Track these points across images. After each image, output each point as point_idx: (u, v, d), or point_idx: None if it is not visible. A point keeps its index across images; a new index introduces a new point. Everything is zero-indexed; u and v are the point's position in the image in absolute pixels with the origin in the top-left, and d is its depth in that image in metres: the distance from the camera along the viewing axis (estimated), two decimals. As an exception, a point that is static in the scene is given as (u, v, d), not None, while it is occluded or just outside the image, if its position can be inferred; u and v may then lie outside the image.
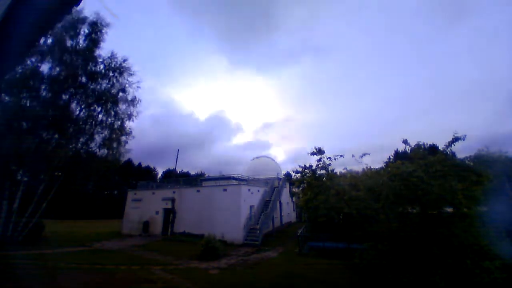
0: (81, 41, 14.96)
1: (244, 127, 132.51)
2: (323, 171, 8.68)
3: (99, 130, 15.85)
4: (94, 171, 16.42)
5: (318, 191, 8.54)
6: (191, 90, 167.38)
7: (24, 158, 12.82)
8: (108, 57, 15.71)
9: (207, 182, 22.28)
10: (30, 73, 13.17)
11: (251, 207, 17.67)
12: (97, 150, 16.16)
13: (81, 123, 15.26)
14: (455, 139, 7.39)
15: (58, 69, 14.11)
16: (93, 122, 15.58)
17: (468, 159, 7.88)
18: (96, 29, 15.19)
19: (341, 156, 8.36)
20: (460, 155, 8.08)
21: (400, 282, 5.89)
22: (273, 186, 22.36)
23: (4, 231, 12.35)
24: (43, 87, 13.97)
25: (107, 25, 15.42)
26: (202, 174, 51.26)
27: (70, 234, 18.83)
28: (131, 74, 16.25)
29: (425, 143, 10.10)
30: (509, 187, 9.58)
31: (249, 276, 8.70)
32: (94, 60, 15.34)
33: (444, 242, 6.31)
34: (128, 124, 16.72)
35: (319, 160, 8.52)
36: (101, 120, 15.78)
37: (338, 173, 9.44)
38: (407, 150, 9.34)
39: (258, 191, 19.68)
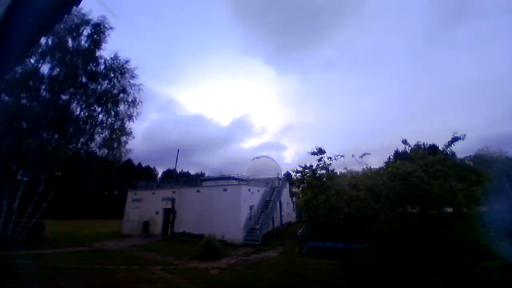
0: (82, 42, 14.98)
1: (262, 129, 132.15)
2: (323, 171, 8.69)
3: (99, 130, 15.86)
4: (94, 171, 16.43)
5: (318, 191, 8.55)
6: (211, 92, 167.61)
7: (24, 158, 12.82)
8: (111, 58, 15.73)
9: (207, 182, 22.28)
10: (30, 73, 13.18)
11: (251, 207, 17.66)
12: (97, 150, 16.18)
13: (81, 123, 15.26)
14: (455, 139, 7.40)
15: (58, 69, 14.11)
16: (93, 122, 15.59)
17: (468, 159, 7.86)
18: (99, 30, 15.19)
19: (341, 156, 8.38)
20: (460, 155, 8.08)
21: (400, 282, 5.90)
22: (273, 186, 22.35)
23: (4, 231, 12.35)
24: (43, 87, 13.97)
25: (111, 27, 15.46)
26: (202, 174, 51.30)
27: (70, 234, 18.83)
28: (133, 76, 16.27)
29: (425, 143, 10.10)
30: (509, 187, 9.58)
31: (249, 276, 8.69)
32: (95, 60, 15.34)
33: (444, 242, 6.32)
34: (129, 124, 16.75)
35: (320, 160, 8.53)
36: (102, 120, 15.78)
37: (338, 173, 9.46)
38: (407, 150, 9.35)
39: (258, 191, 19.68)
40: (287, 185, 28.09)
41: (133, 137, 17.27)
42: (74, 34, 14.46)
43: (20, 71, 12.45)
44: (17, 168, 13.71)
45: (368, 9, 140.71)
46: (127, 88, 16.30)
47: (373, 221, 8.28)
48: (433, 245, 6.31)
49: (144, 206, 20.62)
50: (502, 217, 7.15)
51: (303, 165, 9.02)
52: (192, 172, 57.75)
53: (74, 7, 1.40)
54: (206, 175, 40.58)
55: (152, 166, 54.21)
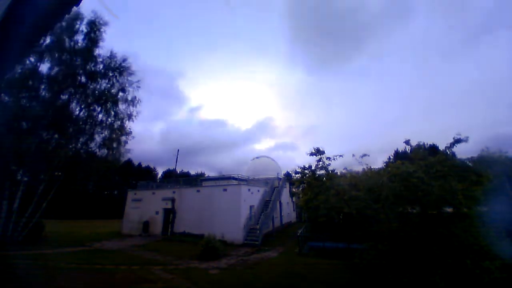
0: (80, 41, 14.97)
1: (281, 130, 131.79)
2: (322, 171, 8.69)
3: (99, 130, 15.88)
4: (94, 171, 16.43)
5: (318, 191, 8.55)
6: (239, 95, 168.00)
7: (24, 158, 12.82)
8: (108, 57, 15.73)
9: (207, 182, 22.28)
10: (30, 73, 13.18)
11: (251, 207, 17.67)
12: (97, 150, 16.21)
13: (81, 123, 15.27)
14: (457, 141, 7.39)
15: (57, 68, 14.11)
16: (93, 122, 15.60)
17: (470, 160, 7.86)
18: (95, 28, 15.17)
19: (340, 156, 8.38)
20: (462, 156, 8.07)
21: (400, 282, 5.89)
22: (273, 186, 22.36)
23: (4, 231, 12.35)
24: (42, 87, 13.98)
25: (106, 23, 15.43)
26: (202, 174, 51.33)
27: (70, 234, 18.83)
28: (131, 74, 16.27)
29: (425, 144, 10.09)
30: (509, 187, 9.58)
31: (249, 276, 8.69)
32: (94, 59, 15.34)
33: (444, 242, 6.32)
34: (128, 124, 16.75)
35: (319, 160, 8.53)
36: (101, 120, 15.80)
37: (338, 173, 9.45)
38: (407, 150, 9.36)
39: (258, 191, 19.68)
40: (287, 185, 28.09)
41: (133, 137, 17.30)
42: (70, 32, 14.43)
43: (19, 71, 12.45)
44: (17, 168, 13.71)
45: (369, 10, 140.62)
46: (126, 87, 16.32)
47: (373, 221, 8.28)
48: (433, 245, 6.31)
49: (144, 206, 20.62)
50: (502, 217, 7.14)
51: (303, 166, 9.03)
52: (192, 172, 57.85)
53: (74, 7, 1.40)
54: (206, 175, 40.61)
55: (152, 166, 54.29)
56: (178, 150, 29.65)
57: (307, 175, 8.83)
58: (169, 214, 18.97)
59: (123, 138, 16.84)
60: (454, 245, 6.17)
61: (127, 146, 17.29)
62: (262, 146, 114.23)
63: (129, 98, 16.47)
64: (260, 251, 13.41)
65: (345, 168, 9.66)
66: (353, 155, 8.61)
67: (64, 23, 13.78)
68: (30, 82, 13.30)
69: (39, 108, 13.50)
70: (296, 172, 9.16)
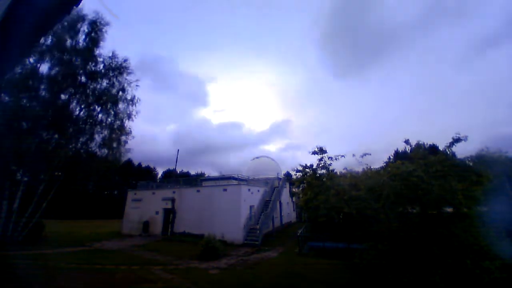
0: (81, 41, 14.98)
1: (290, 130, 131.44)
2: (323, 171, 8.69)
3: (99, 130, 15.88)
4: (94, 171, 16.43)
5: (318, 191, 8.54)
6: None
7: (24, 158, 12.82)
8: (109, 57, 15.76)
9: (207, 182, 22.28)
10: (30, 73, 13.18)
11: (251, 207, 17.66)
12: (97, 150, 16.20)
13: (81, 123, 15.27)
14: (456, 140, 7.39)
15: (57, 68, 14.11)
16: (93, 121, 15.60)
17: (469, 159, 7.85)
18: (96, 28, 15.19)
19: (342, 156, 8.38)
20: (461, 155, 8.07)
21: (400, 282, 5.89)
22: (273, 186, 22.35)
23: (4, 231, 12.35)
24: (42, 87, 13.98)
25: (107, 24, 15.45)
26: (202, 174, 51.32)
27: (70, 234, 18.83)
28: (130, 73, 16.30)
29: (425, 143, 10.09)
30: (509, 187, 9.58)
31: (249, 276, 8.69)
32: (94, 59, 15.36)
33: (444, 242, 6.32)
34: (128, 123, 16.76)
35: (320, 159, 8.53)
36: (101, 120, 15.81)
37: (338, 173, 9.45)
38: (407, 150, 9.36)
39: (258, 191, 19.68)
40: (287, 185, 28.09)
41: (133, 137, 17.30)
42: (72, 32, 14.45)
43: (20, 71, 12.45)
44: (17, 168, 13.71)
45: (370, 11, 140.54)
46: (126, 87, 16.34)
47: (373, 221, 8.28)
48: (433, 245, 6.31)
49: (144, 206, 20.62)
50: (502, 217, 7.14)
51: (304, 165, 9.03)
52: (192, 172, 57.85)
53: (74, 7, 1.40)
54: (207, 175, 40.61)
55: (152, 166, 54.28)
56: (178, 150, 29.65)
57: (308, 174, 8.82)
58: (169, 214, 18.97)
59: (123, 138, 16.86)
60: (454, 245, 6.17)
61: (127, 146, 17.32)
62: (274, 147, 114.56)
63: (129, 97, 16.50)
64: (260, 251, 13.41)
65: (345, 168, 9.66)
66: (353, 155, 8.62)
67: (66, 24, 13.79)
68: (30, 82, 13.29)
69: (39, 108, 13.50)
70: (297, 171, 9.15)
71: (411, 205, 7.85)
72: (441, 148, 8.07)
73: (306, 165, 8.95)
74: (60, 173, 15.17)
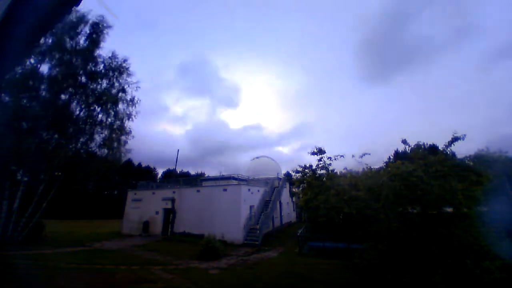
0: (81, 41, 14.99)
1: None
2: (323, 171, 8.69)
3: (99, 130, 15.88)
4: (94, 171, 16.43)
5: (318, 191, 8.54)
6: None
7: (24, 158, 12.81)
8: (109, 57, 15.76)
9: (207, 182, 22.28)
10: (30, 73, 13.18)
11: (251, 207, 17.66)
12: (97, 150, 16.20)
13: (81, 123, 15.27)
14: (455, 139, 7.39)
15: (57, 69, 14.11)
16: (93, 122, 15.60)
17: (468, 159, 7.85)
18: (97, 29, 15.21)
19: (341, 156, 8.37)
20: (461, 155, 8.08)
21: (400, 282, 5.89)
22: (273, 186, 22.35)
23: (4, 231, 12.35)
24: (42, 87, 13.98)
25: (109, 26, 15.48)
26: (202, 174, 51.32)
27: (70, 234, 18.83)
28: (130, 75, 16.32)
29: (425, 143, 10.10)
30: (509, 187, 9.58)
31: (249, 276, 8.69)
32: (94, 60, 15.36)
33: (444, 242, 6.31)
34: (128, 123, 16.77)
35: (320, 160, 8.53)
36: (101, 120, 15.80)
37: (338, 173, 9.44)
38: (407, 150, 9.34)
39: (258, 191, 19.68)
40: (287, 185, 28.09)
41: (133, 137, 17.29)
42: (73, 33, 14.46)
43: (20, 71, 12.44)
44: (17, 168, 13.71)
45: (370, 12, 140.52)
46: (126, 87, 16.36)
47: (373, 221, 8.28)
48: (433, 245, 6.30)
49: (144, 206, 20.62)
50: (502, 217, 7.14)
51: (303, 165, 9.03)
52: (192, 172, 57.86)
53: (74, 7, 1.40)
54: (206, 175, 40.61)
55: (152, 166, 54.29)
56: (178, 150, 29.64)
57: (308, 175, 8.83)
58: (169, 214, 18.97)
59: (123, 138, 16.86)
60: (454, 245, 6.17)
61: (127, 146, 17.32)
62: (291, 147, 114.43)
63: (129, 98, 16.52)
64: (260, 251, 13.41)
65: (345, 168, 9.66)
66: (353, 156, 8.61)
67: (66, 24, 13.80)
68: (31, 82, 13.29)
69: (39, 108, 13.50)
70: (297, 171, 9.16)
71: (411, 205, 7.85)
72: (441, 148, 8.06)
73: (305, 165, 8.95)
74: (60, 173, 15.16)
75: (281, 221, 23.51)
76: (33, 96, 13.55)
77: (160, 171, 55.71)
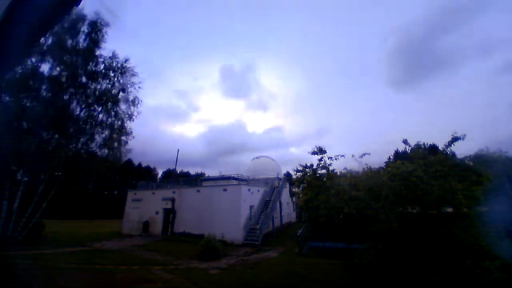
0: (81, 41, 14.96)
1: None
2: (323, 171, 8.69)
3: (100, 130, 15.86)
4: (94, 171, 16.43)
5: (318, 191, 8.54)
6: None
7: (24, 158, 12.81)
8: (109, 57, 15.74)
9: (207, 182, 22.28)
10: (30, 73, 13.17)
11: (251, 207, 17.66)
12: (98, 150, 16.19)
13: (81, 123, 15.26)
14: (455, 139, 7.39)
15: (58, 69, 14.12)
16: (94, 122, 15.58)
17: (468, 159, 7.85)
18: (96, 28, 15.18)
19: (341, 156, 8.38)
20: (461, 155, 8.08)
21: (400, 282, 5.89)
22: (273, 186, 22.36)
23: (4, 231, 12.35)
24: (43, 87, 13.97)
25: (107, 24, 15.44)
26: (202, 174, 51.33)
27: (70, 234, 18.84)
28: (133, 75, 16.29)
29: (425, 143, 10.10)
30: (509, 187, 9.58)
31: (249, 276, 8.69)
32: (95, 60, 15.34)
33: (444, 242, 6.31)
34: (129, 124, 16.75)
35: (320, 159, 8.53)
36: (102, 120, 15.78)
37: (338, 173, 9.45)
38: (407, 150, 9.35)
39: (258, 191, 19.68)
40: (287, 185, 28.09)
41: (133, 137, 17.27)
42: (72, 32, 14.44)
43: (20, 71, 12.44)
44: (17, 168, 13.71)
45: (364, 9, 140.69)
46: (127, 87, 16.33)
47: (373, 221, 8.27)
48: (433, 245, 6.30)
49: (144, 206, 20.62)
50: (502, 217, 7.14)
51: (304, 165, 9.03)
52: (192, 172, 57.88)
53: (74, 7, 1.40)
54: (206, 175, 40.61)
55: (152, 166, 54.30)
56: (178, 150, 29.64)
57: (308, 174, 8.83)
58: (169, 214, 18.97)
59: (124, 138, 16.85)
60: (454, 245, 6.17)
61: (128, 146, 17.31)
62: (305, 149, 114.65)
63: (130, 98, 16.49)
64: (260, 251, 13.41)
65: (345, 168, 9.66)
66: (353, 156, 8.61)
67: (66, 24, 13.78)
68: (31, 82, 13.28)
69: (39, 108, 13.50)
70: (297, 171, 9.16)
71: (411, 205, 7.85)
72: (441, 148, 8.06)
73: (306, 165, 8.95)
74: (60, 173, 15.16)
75: (281, 221, 23.51)
76: (33, 96, 13.54)
77: (160, 171, 55.81)
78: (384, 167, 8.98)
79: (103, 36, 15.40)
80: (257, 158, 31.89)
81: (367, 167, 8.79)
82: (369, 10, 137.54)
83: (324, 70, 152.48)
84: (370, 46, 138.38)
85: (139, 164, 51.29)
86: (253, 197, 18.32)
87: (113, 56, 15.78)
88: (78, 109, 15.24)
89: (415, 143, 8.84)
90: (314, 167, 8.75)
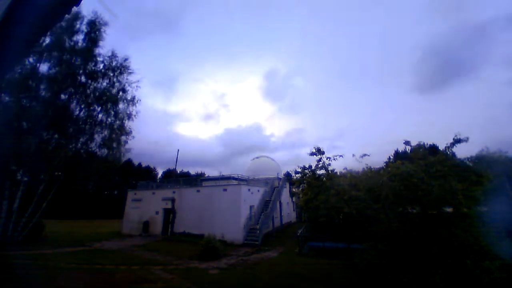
0: (80, 40, 14.97)
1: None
2: (323, 171, 8.69)
3: (99, 130, 15.86)
4: (94, 171, 16.43)
5: (318, 191, 8.55)
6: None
7: (24, 158, 12.81)
8: (108, 57, 15.74)
9: (207, 182, 22.29)
10: (30, 73, 13.17)
11: (251, 207, 17.66)
12: (97, 150, 16.19)
13: (81, 123, 15.26)
14: (457, 141, 7.38)
15: (57, 68, 14.10)
16: (93, 122, 15.58)
17: (469, 159, 7.86)
18: (95, 28, 15.18)
19: (340, 156, 8.38)
20: (462, 156, 8.08)
21: (400, 282, 5.89)
22: (273, 186, 22.36)
23: (4, 231, 12.35)
24: (42, 87, 13.97)
25: (105, 23, 15.44)
26: (202, 174, 51.34)
27: (70, 234, 18.83)
28: (131, 73, 16.28)
29: (425, 143, 10.11)
30: (509, 187, 9.58)
31: (249, 276, 8.69)
32: (94, 59, 15.33)
33: (444, 242, 6.31)
34: (128, 123, 16.75)
35: (319, 160, 8.54)
36: (101, 120, 15.78)
37: (338, 173, 9.45)
38: (407, 150, 9.36)
39: (258, 191, 19.68)
40: (287, 185, 28.09)
41: (133, 137, 17.26)
42: (71, 31, 14.44)
43: (19, 71, 12.44)
44: (17, 168, 13.70)
45: (365, 8, 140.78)
46: (126, 87, 16.33)
47: (373, 221, 8.27)
48: (433, 245, 6.30)
49: (144, 206, 20.62)
50: (502, 217, 7.14)
51: (303, 165, 9.03)
52: (192, 172, 57.89)
53: (74, 7, 1.40)
54: (206, 175, 40.62)
55: (152, 166, 54.29)
56: (178, 150, 29.64)
57: (307, 175, 8.83)
58: (169, 214, 18.97)
59: (123, 137, 16.84)
60: (454, 245, 6.17)
61: (127, 146, 17.31)
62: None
63: (129, 97, 16.49)
64: (260, 251, 13.41)
65: (345, 168, 9.66)
66: (353, 155, 8.62)
67: (64, 23, 13.78)
68: (30, 82, 13.28)
69: (39, 108, 13.49)
70: (296, 172, 9.17)
71: (411, 205, 7.85)
72: (441, 148, 8.06)
73: (305, 166, 8.96)
74: (60, 173, 15.16)
75: (281, 221, 23.51)
76: (33, 96, 13.54)
77: (160, 171, 55.81)
78: (384, 167, 8.98)
79: (102, 35, 15.42)
80: (257, 158, 31.91)
81: (367, 167, 8.79)
82: (369, 10, 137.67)
83: (324, 70, 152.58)
84: (370, 46, 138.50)
85: (139, 164, 51.29)
86: (253, 197, 18.32)
87: (113, 55, 15.79)
88: (78, 109, 15.25)
89: (417, 143, 8.85)
90: (313, 168, 8.76)
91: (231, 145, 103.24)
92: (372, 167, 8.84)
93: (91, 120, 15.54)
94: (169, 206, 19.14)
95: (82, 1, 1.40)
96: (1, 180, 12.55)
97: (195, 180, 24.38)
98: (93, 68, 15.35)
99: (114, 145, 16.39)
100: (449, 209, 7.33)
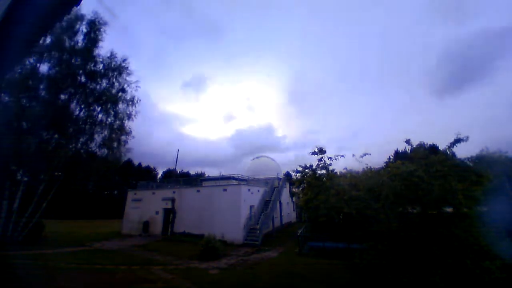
0: (79, 41, 14.98)
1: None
2: (323, 171, 8.70)
3: (99, 130, 15.86)
4: (94, 171, 16.43)
5: (318, 191, 8.55)
6: None
7: (24, 158, 12.81)
8: (108, 57, 15.74)
9: (207, 182, 22.29)
10: (30, 73, 13.18)
11: (251, 207, 17.66)
12: (97, 150, 16.19)
13: (80, 123, 15.26)
14: (458, 140, 7.38)
15: (57, 68, 14.11)
16: (93, 122, 15.59)
17: (469, 159, 7.86)
18: (95, 28, 15.19)
19: (341, 156, 8.39)
20: (462, 155, 8.08)
21: (400, 282, 5.89)
22: (273, 186, 22.35)
23: (4, 231, 12.34)
24: (42, 87, 13.97)
25: (105, 23, 15.46)
26: (202, 174, 51.35)
27: (70, 234, 18.83)
28: (129, 74, 16.30)
29: (426, 143, 10.11)
30: (509, 187, 9.58)
31: (249, 276, 8.69)
32: (93, 59, 15.34)
33: (444, 242, 6.31)
34: (128, 123, 16.76)
35: (320, 160, 8.54)
36: (101, 120, 15.79)
37: (338, 173, 9.45)
38: (407, 150, 9.36)
39: (258, 191, 19.68)
40: (287, 185, 28.09)
41: (133, 137, 17.27)
42: (70, 32, 14.45)
43: (19, 71, 12.45)
44: (17, 168, 13.70)
45: (364, 9, 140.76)
46: (126, 87, 16.35)
47: (373, 221, 8.28)
48: (433, 245, 6.31)
49: (144, 206, 20.62)
50: (502, 217, 7.14)
51: (303, 165, 9.04)
52: (192, 172, 57.90)
53: (74, 7, 1.40)
54: (206, 175, 40.63)
55: (152, 166, 54.28)
56: (178, 150, 29.65)
57: (308, 175, 8.84)
58: (169, 214, 18.97)
59: (123, 137, 16.84)
60: (454, 245, 6.17)
61: (127, 146, 17.31)
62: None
63: (129, 97, 16.51)
64: (260, 251, 13.41)
65: (345, 168, 9.67)
66: (353, 155, 8.62)
67: (64, 23, 13.78)
68: (30, 82, 13.29)
69: (39, 108, 13.49)
70: (297, 171, 9.17)
71: (411, 205, 7.86)
72: (441, 148, 8.07)
73: (305, 165, 8.97)
74: (60, 173, 15.15)
75: (281, 221, 23.51)
76: (33, 96, 13.54)
77: (160, 171, 55.81)
78: (384, 167, 8.99)
79: (101, 35, 15.42)
80: (257, 158, 31.91)
81: (367, 167, 8.80)
82: (369, 10, 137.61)
83: (324, 70, 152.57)
84: (370, 47, 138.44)
85: (139, 164, 51.29)
86: (253, 197, 18.32)
87: (112, 56, 15.80)
88: (78, 109, 15.25)
89: (418, 143, 8.85)
90: (314, 167, 8.76)
91: (242, 146, 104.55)
92: (372, 167, 8.85)
93: (91, 120, 15.55)
94: (169, 206, 19.13)
95: (82, 1, 1.40)
96: (1, 180, 12.55)
97: (195, 180, 24.38)
98: (92, 68, 15.36)
99: (114, 145, 16.40)
100: (449, 209, 7.33)
